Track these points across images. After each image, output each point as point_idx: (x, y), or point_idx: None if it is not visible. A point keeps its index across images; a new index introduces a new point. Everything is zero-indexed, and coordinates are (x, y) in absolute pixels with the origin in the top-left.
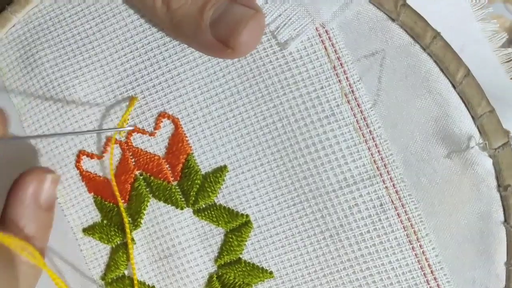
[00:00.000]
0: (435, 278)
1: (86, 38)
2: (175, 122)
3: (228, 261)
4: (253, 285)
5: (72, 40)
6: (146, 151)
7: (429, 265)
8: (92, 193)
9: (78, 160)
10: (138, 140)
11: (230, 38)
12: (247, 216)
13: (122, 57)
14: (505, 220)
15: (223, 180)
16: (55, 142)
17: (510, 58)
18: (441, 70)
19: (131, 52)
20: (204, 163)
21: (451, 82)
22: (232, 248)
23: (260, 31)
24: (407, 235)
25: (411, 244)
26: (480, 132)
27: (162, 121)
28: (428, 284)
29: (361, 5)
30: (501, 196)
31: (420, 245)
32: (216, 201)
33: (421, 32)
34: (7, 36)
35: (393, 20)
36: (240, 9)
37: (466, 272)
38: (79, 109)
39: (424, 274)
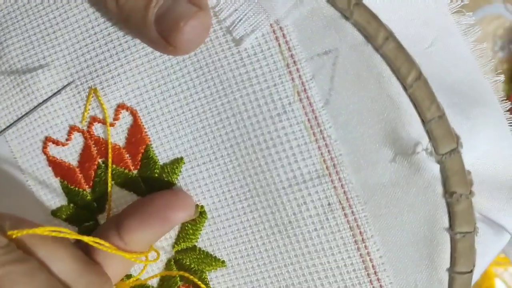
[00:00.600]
0: (378, 279)
1: (50, 27)
2: (133, 113)
3: (185, 247)
4: (206, 272)
5: (37, 29)
6: (107, 140)
7: (373, 265)
8: (59, 178)
9: (45, 146)
10: (99, 130)
11: (170, 35)
12: (202, 206)
13: (83, 48)
14: (450, 227)
15: (180, 171)
16: (24, 128)
17: (484, 54)
18: (393, 72)
19: (91, 43)
20: (162, 154)
21: (402, 85)
22: (187, 236)
23: (203, 29)
24: (353, 235)
25: (356, 244)
26: (429, 137)
27: (121, 112)
28: (371, 284)
29: (316, 2)
30: (447, 203)
31: (365, 246)
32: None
33: (373, 32)
34: None
35: (347, 18)
36: (183, 6)
37: (409, 275)
38: (44, 98)
39: (367, 274)
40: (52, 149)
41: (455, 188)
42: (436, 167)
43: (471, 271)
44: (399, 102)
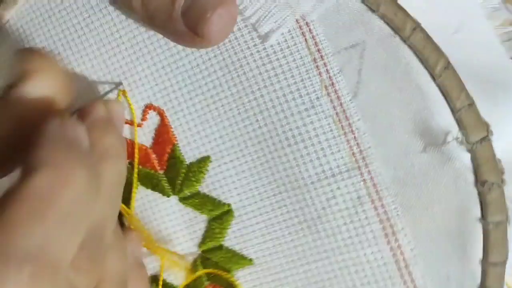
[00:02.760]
0: (409, 272)
1: (75, 33)
2: (160, 113)
3: (211, 246)
4: (233, 270)
5: (62, 35)
6: (134, 141)
7: (404, 259)
8: None
9: None
10: (126, 131)
11: (198, 26)
12: (228, 205)
13: (109, 51)
14: (482, 217)
15: (207, 170)
16: None
17: (511, 37)
18: (421, 62)
19: (117, 46)
20: (189, 154)
21: (430, 75)
22: (214, 235)
23: (230, 18)
24: (383, 228)
25: (387, 237)
26: (459, 126)
27: (148, 113)
28: (402, 278)
29: None
30: (478, 192)
31: (396, 239)
32: (200, 190)
33: (400, 24)
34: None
35: (373, 11)
36: None
37: (441, 267)
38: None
39: (398, 268)
40: None
41: (487, 176)
42: (467, 156)
43: (505, 262)
44: (427, 92)
